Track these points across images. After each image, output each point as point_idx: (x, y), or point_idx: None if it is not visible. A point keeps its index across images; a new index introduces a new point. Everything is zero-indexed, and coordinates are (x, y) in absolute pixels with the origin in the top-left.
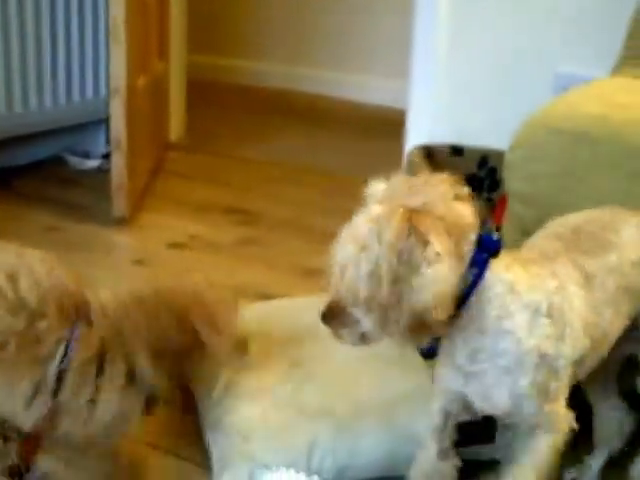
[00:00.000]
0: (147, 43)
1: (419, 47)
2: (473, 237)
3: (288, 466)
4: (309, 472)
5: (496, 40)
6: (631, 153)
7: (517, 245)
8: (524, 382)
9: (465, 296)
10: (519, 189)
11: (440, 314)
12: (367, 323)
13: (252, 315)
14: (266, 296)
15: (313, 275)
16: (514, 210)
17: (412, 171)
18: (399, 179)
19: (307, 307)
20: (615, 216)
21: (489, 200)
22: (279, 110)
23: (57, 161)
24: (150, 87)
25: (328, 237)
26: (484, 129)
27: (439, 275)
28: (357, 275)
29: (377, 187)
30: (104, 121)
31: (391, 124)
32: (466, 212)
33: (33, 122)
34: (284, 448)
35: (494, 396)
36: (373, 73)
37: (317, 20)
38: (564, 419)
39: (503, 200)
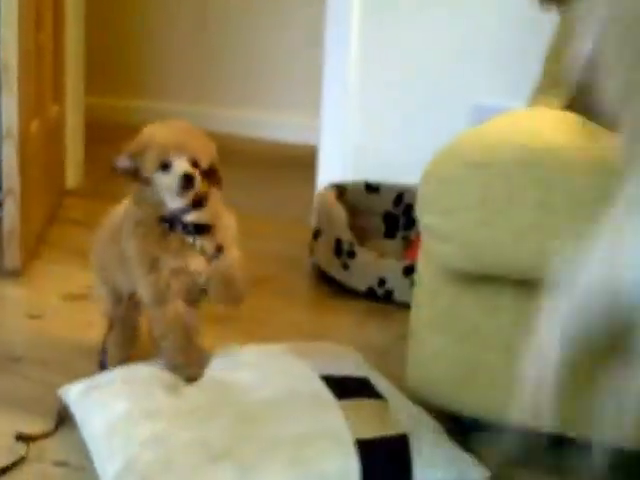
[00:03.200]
0: (41, 86)
1: (329, 81)
2: None
3: None
4: None
5: (410, 72)
6: (544, 183)
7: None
8: None
9: None
10: (433, 224)
11: None
12: None
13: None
14: None
15: (232, 320)
16: (429, 247)
17: (324, 209)
18: None
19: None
20: None
21: (406, 238)
22: None
23: None
24: (45, 132)
25: None
26: (401, 165)
27: None
28: None
29: None
30: None
31: (305, 162)
32: None
33: None
34: None
35: None
36: (284, 110)
37: (222, 57)
38: None
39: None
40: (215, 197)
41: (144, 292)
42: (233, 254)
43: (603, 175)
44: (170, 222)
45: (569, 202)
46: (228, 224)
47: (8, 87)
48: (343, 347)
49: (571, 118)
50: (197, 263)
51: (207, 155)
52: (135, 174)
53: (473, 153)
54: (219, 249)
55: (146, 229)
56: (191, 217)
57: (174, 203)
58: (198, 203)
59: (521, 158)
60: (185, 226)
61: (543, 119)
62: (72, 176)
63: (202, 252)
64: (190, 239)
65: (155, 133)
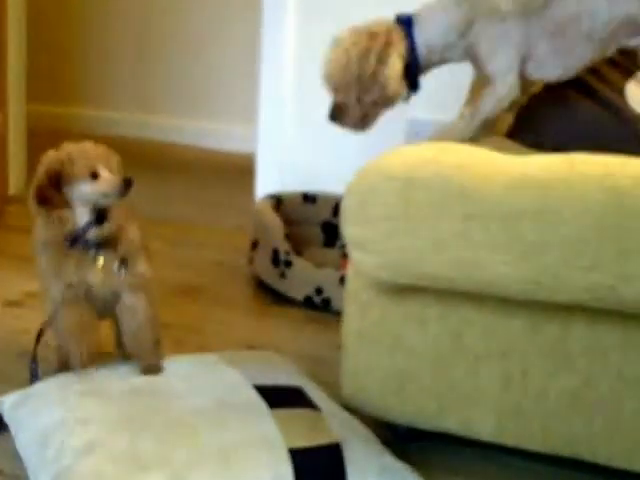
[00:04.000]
0: None
1: (265, 93)
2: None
3: None
4: None
5: None
6: (464, 195)
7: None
8: None
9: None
10: (355, 235)
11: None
12: (355, 107)
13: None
14: None
15: (168, 328)
16: (354, 258)
17: (260, 220)
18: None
19: None
20: None
21: (345, 247)
22: (126, 159)
23: None
24: None
25: (182, 290)
26: (337, 175)
27: (396, 65)
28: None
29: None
30: None
31: (246, 171)
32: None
33: None
34: None
35: None
36: (224, 119)
37: (163, 67)
38: None
39: None
40: (119, 210)
41: (47, 302)
42: (139, 268)
43: (521, 188)
44: (72, 240)
45: (489, 214)
46: (132, 237)
47: None
48: (277, 356)
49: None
50: (95, 277)
51: (119, 169)
52: (55, 198)
53: (394, 168)
54: (123, 262)
55: (53, 248)
56: (93, 233)
57: (83, 218)
58: (101, 218)
59: (438, 173)
60: (86, 242)
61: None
62: (15, 183)
63: (104, 267)
64: (91, 254)
65: (73, 149)
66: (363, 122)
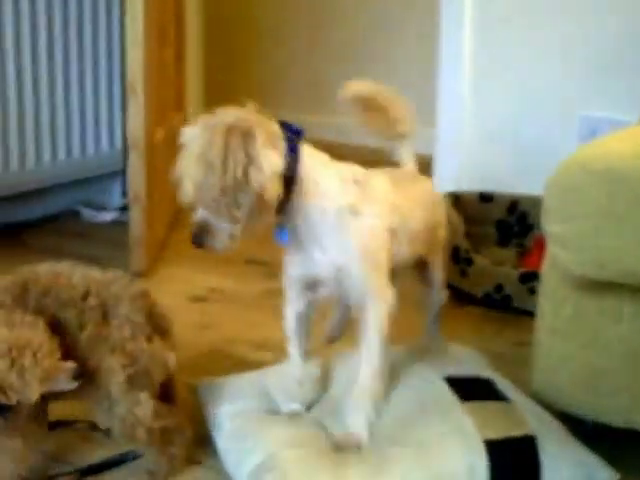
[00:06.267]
0: (164, 96)
1: (444, 95)
2: (280, 133)
3: None
4: None
5: (519, 86)
6: None
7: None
8: (347, 238)
9: (290, 177)
10: (556, 232)
11: (273, 192)
12: (225, 224)
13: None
14: None
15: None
16: (553, 254)
17: None
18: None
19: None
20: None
21: (520, 245)
22: None
23: (71, 215)
24: (167, 139)
25: None
26: (512, 175)
27: (270, 159)
28: (204, 182)
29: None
30: (120, 173)
31: (421, 172)
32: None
33: (46, 176)
34: None
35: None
36: None
37: (336, 69)
38: (388, 290)
39: (539, 244)
40: None
41: None
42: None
43: None
44: None
45: None
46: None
47: (134, 103)
48: (464, 348)
49: None
50: None
51: None
52: None
53: (596, 162)
54: None
55: None
56: None
57: None
58: None
59: None
60: None
61: None
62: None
63: None
64: None
65: None
66: (234, 240)
